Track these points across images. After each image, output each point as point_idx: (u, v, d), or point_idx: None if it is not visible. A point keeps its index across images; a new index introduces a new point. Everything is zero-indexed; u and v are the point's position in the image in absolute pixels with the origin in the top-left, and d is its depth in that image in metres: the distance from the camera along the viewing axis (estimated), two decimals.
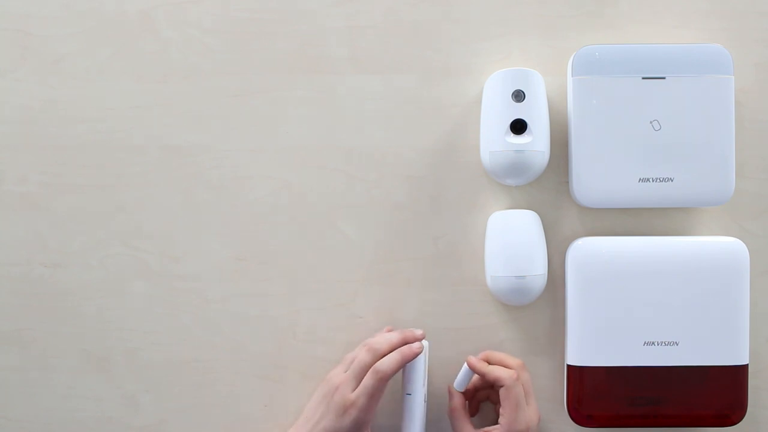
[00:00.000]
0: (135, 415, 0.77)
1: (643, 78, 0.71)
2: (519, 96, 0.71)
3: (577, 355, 0.72)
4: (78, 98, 0.77)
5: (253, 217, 0.76)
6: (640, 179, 0.71)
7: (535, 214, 0.74)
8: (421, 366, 0.71)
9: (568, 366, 0.72)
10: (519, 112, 0.71)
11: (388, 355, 0.69)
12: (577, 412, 0.72)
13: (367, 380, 0.68)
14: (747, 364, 0.71)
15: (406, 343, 0.71)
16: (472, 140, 0.75)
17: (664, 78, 0.71)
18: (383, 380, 0.68)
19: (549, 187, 0.76)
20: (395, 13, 0.76)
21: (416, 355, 0.70)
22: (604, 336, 0.71)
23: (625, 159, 0.71)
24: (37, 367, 0.77)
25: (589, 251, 0.72)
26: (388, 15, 0.76)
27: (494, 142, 0.72)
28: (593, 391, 0.71)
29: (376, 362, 0.69)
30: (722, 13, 0.75)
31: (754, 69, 0.75)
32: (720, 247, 0.71)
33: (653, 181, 0.71)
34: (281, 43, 0.76)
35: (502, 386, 0.69)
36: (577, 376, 0.72)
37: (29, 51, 0.77)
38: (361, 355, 0.70)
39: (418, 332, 0.72)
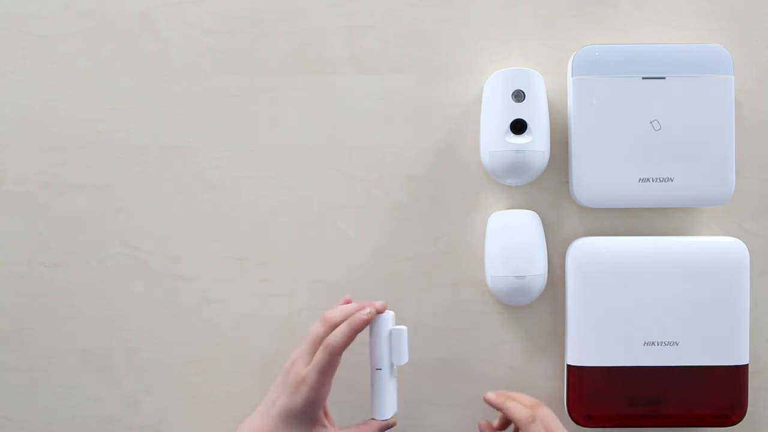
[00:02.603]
0: (135, 415, 0.77)
1: (643, 78, 0.71)
2: (519, 96, 0.71)
3: (577, 355, 0.72)
4: (78, 98, 0.77)
5: (253, 217, 0.76)
6: (640, 179, 0.71)
7: (535, 214, 0.74)
8: (385, 338, 0.68)
9: (568, 366, 0.72)
10: (519, 112, 0.71)
11: (338, 327, 0.66)
12: (577, 412, 0.72)
13: (318, 354, 0.65)
14: (747, 364, 0.71)
15: (358, 311, 0.67)
16: (472, 140, 0.75)
17: (664, 78, 0.71)
18: (334, 354, 0.65)
19: (549, 187, 0.76)
20: (395, 13, 0.76)
21: (365, 322, 0.67)
22: (604, 336, 0.71)
23: (625, 159, 0.71)
24: (37, 367, 0.77)
25: (589, 251, 0.72)
26: (388, 15, 0.76)
27: (494, 142, 0.72)
28: (593, 391, 0.71)
29: (327, 333, 0.66)
30: (722, 13, 0.75)
31: (754, 69, 0.75)
32: (720, 247, 0.71)
33: (653, 181, 0.71)
34: (281, 43, 0.76)
35: (518, 428, 0.68)
36: (577, 376, 0.72)
37: (29, 51, 0.77)
38: (314, 326, 0.67)
39: (378, 303, 0.68)
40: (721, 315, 0.71)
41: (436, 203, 0.76)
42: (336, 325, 0.67)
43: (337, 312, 0.68)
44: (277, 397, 0.66)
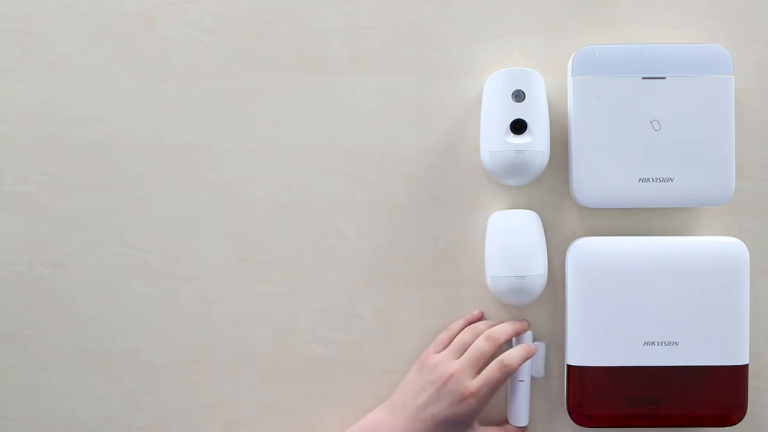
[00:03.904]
0: (135, 415, 0.77)
1: (643, 78, 0.71)
2: (519, 96, 0.71)
3: (577, 355, 0.72)
4: (78, 98, 0.77)
5: (253, 217, 0.76)
6: (640, 179, 0.71)
7: (535, 214, 0.74)
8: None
9: (568, 366, 0.72)
10: (519, 112, 0.71)
11: (515, 349, 0.70)
12: (577, 412, 0.72)
13: (493, 372, 0.69)
14: (747, 364, 0.71)
15: (517, 333, 0.73)
16: (472, 140, 0.75)
17: (664, 78, 0.71)
18: (509, 374, 0.69)
19: (549, 187, 0.76)
20: (395, 13, 0.76)
21: (535, 353, 0.72)
22: (604, 336, 0.71)
23: (625, 159, 0.71)
24: (37, 367, 0.77)
25: (589, 251, 0.72)
26: (388, 15, 0.76)
27: (494, 142, 0.72)
28: (593, 391, 0.71)
29: (493, 351, 0.70)
30: (722, 13, 0.75)
31: (754, 69, 0.75)
32: (720, 247, 0.71)
33: (653, 181, 0.71)
34: (281, 43, 0.76)
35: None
36: (577, 376, 0.72)
37: (29, 51, 0.77)
38: (480, 343, 0.70)
39: (525, 322, 0.74)
40: (721, 315, 0.71)
41: (436, 203, 0.76)
42: (500, 345, 0.71)
43: (500, 331, 0.71)
44: (427, 404, 0.69)
